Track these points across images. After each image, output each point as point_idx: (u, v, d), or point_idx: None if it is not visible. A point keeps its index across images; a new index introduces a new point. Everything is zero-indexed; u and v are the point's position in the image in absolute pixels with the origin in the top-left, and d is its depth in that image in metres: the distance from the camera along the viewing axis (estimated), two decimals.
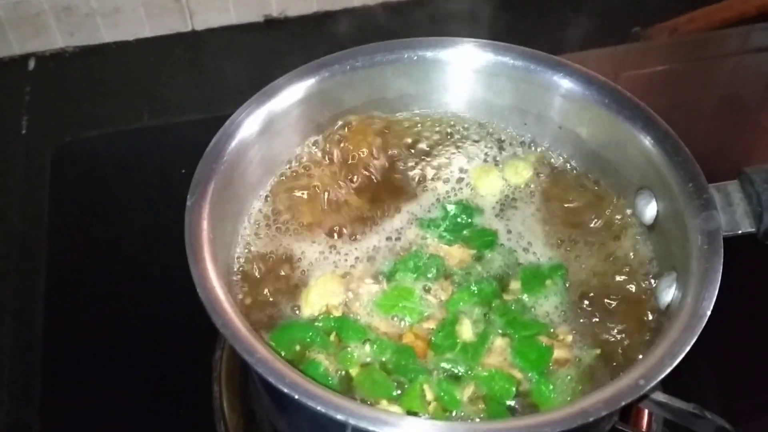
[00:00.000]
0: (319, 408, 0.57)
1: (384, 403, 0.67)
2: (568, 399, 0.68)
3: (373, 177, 0.84)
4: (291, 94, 0.79)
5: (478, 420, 0.67)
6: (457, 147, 0.86)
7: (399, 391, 0.68)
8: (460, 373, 0.70)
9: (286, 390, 0.58)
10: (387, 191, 0.83)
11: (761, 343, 0.98)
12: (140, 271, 1.04)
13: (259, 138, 0.77)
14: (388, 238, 0.79)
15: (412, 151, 0.86)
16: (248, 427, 0.87)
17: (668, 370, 0.60)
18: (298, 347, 0.71)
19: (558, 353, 0.71)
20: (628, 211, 0.80)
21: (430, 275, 0.76)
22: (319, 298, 0.74)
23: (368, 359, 0.71)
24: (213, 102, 1.26)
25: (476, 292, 0.74)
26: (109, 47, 1.37)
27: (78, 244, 1.09)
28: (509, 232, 0.81)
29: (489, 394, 0.69)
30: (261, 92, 0.77)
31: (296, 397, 0.58)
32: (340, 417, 0.57)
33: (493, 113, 0.86)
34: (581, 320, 0.74)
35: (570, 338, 0.73)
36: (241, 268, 0.77)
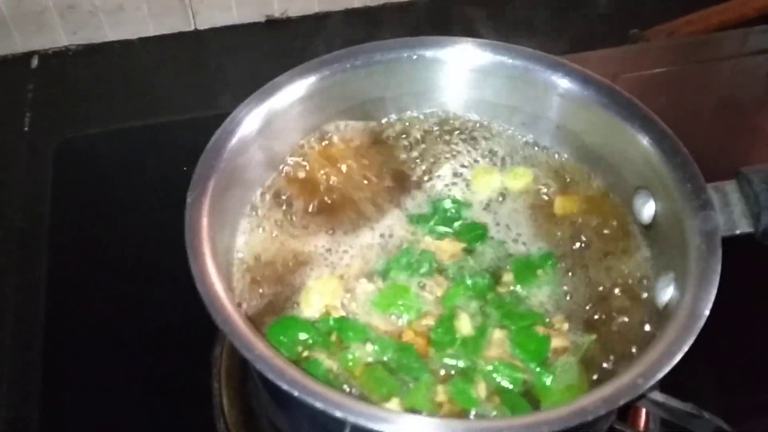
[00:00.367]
0: (318, 405, 0.57)
1: (394, 400, 0.67)
2: (569, 388, 0.69)
3: (369, 177, 0.84)
4: (291, 92, 0.79)
5: (469, 417, 0.67)
6: (454, 146, 0.86)
7: (405, 390, 0.68)
8: (462, 367, 0.70)
9: (285, 387, 0.58)
10: (382, 191, 0.83)
11: (759, 342, 0.98)
12: (141, 268, 1.05)
13: (259, 135, 0.77)
14: (381, 236, 0.80)
15: (409, 150, 0.86)
16: (248, 424, 0.87)
17: (667, 369, 0.60)
18: (300, 348, 0.71)
19: (555, 342, 0.72)
20: (625, 211, 0.80)
21: (423, 271, 0.76)
22: (319, 299, 0.74)
23: (370, 359, 0.71)
24: (214, 101, 1.26)
25: (471, 285, 0.75)
26: (112, 46, 1.37)
27: (79, 241, 1.10)
28: (498, 224, 0.81)
29: (499, 386, 0.69)
30: (261, 90, 0.77)
31: (295, 394, 0.58)
32: (339, 414, 0.57)
33: (490, 113, 0.87)
34: (575, 308, 0.75)
35: (566, 326, 0.73)
36: (240, 266, 0.77)
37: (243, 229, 0.79)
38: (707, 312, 0.63)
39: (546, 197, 0.83)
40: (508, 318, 0.73)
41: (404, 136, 0.87)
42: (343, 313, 0.74)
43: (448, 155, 0.86)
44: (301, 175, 0.83)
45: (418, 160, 0.86)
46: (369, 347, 0.71)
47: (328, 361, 0.70)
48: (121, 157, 1.20)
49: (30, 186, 1.17)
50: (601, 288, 0.76)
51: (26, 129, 1.25)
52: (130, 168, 1.18)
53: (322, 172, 0.83)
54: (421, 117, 0.88)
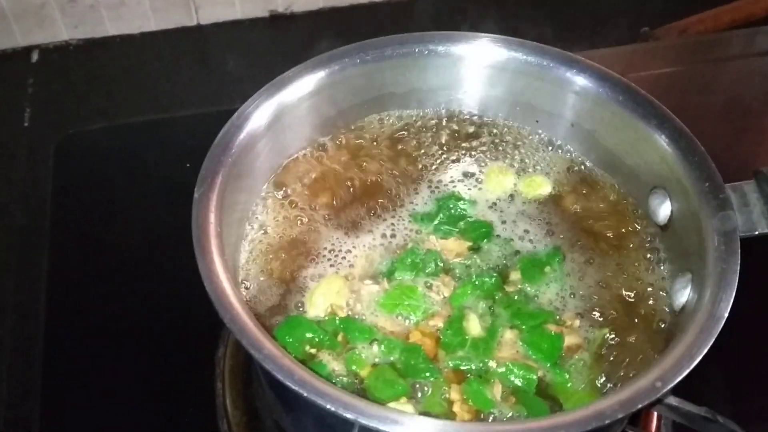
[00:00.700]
0: (328, 406, 0.56)
1: (403, 401, 0.66)
2: (584, 385, 0.69)
3: (376, 175, 0.83)
4: (300, 87, 0.77)
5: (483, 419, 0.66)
6: (463, 144, 0.85)
7: (417, 394, 0.68)
8: (474, 369, 0.69)
9: (294, 387, 0.57)
10: (388, 188, 0.82)
11: None
12: (143, 265, 1.04)
13: (267, 131, 0.75)
14: (383, 236, 0.78)
15: (417, 147, 0.85)
16: (251, 424, 0.86)
17: (686, 372, 0.59)
18: (306, 347, 0.70)
19: (568, 339, 0.71)
20: (639, 210, 0.79)
21: (429, 270, 0.75)
22: (323, 299, 0.73)
23: (377, 360, 0.70)
24: (217, 97, 1.26)
25: (478, 285, 0.74)
26: (113, 40, 1.36)
27: (81, 237, 1.09)
28: (504, 222, 0.80)
29: (514, 387, 0.68)
30: (270, 84, 0.76)
31: (305, 394, 0.57)
32: (349, 415, 0.56)
33: (503, 110, 0.85)
34: (585, 305, 0.74)
35: (577, 323, 0.73)
36: (246, 263, 0.75)
37: (250, 225, 0.78)
38: (726, 314, 0.62)
39: (555, 195, 0.82)
40: (518, 317, 0.72)
41: (413, 132, 0.86)
42: (349, 314, 0.72)
43: (457, 153, 0.85)
44: (309, 171, 0.82)
45: (425, 158, 0.84)
46: (376, 348, 0.70)
47: (333, 362, 0.69)
48: (122, 153, 1.19)
49: (30, 182, 1.16)
50: (611, 286, 0.75)
51: (26, 124, 1.24)
52: (132, 164, 1.16)
53: (329, 169, 0.82)
54: (431, 113, 0.87)
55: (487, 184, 0.83)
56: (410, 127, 0.86)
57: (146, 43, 1.36)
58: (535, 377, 0.68)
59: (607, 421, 0.57)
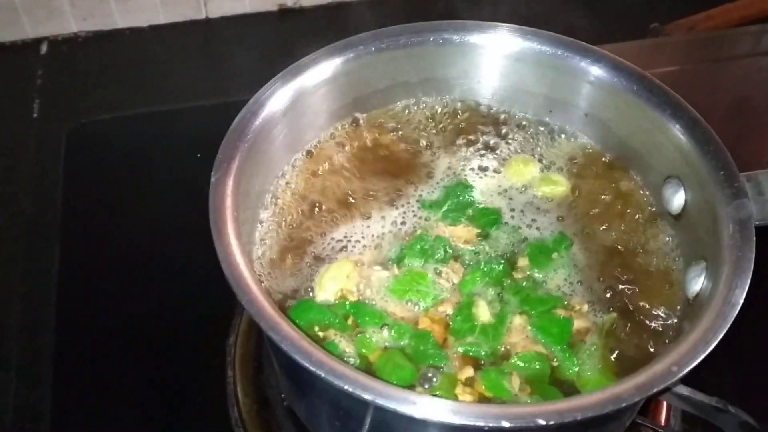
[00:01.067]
0: (346, 387, 0.56)
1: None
2: (596, 370, 0.69)
3: (390, 164, 0.83)
4: (316, 74, 0.78)
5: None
6: (477, 132, 0.86)
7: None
8: (484, 355, 0.70)
9: (312, 368, 0.57)
10: (400, 177, 0.82)
11: None
12: (154, 254, 1.04)
13: (282, 117, 0.76)
14: (393, 223, 0.79)
15: (429, 135, 0.85)
16: (261, 412, 0.86)
17: (701, 357, 0.59)
18: (316, 328, 0.70)
19: (578, 323, 0.72)
20: (651, 199, 0.80)
21: (438, 257, 0.76)
22: (333, 283, 0.73)
23: (386, 344, 0.70)
24: (225, 89, 1.26)
25: (487, 271, 0.74)
26: (122, 33, 1.36)
27: (91, 227, 1.09)
28: (512, 210, 0.80)
29: (528, 376, 0.68)
30: (286, 70, 0.77)
31: (322, 375, 0.57)
32: (367, 397, 0.56)
33: (518, 99, 0.86)
34: (593, 288, 0.75)
35: (586, 307, 0.73)
36: (261, 247, 0.76)
37: (265, 210, 0.78)
38: (741, 300, 0.62)
39: (566, 185, 0.82)
40: (527, 303, 0.73)
41: (427, 121, 0.86)
42: (360, 298, 0.73)
43: (469, 141, 0.85)
44: (323, 158, 0.82)
45: (437, 146, 0.85)
46: (386, 333, 0.70)
47: (344, 343, 0.69)
48: (131, 143, 1.19)
49: (39, 173, 1.16)
50: (621, 273, 0.76)
51: (35, 116, 1.24)
52: (142, 154, 1.17)
53: (342, 156, 0.83)
54: (445, 102, 0.87)
55: (507, 172, 0.83)
56: (424, 116, 0.86)
57: (155, 36, 1.36)
58: (548, 366, 0.69)
59: (623, 405, 0.57)
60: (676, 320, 0.72)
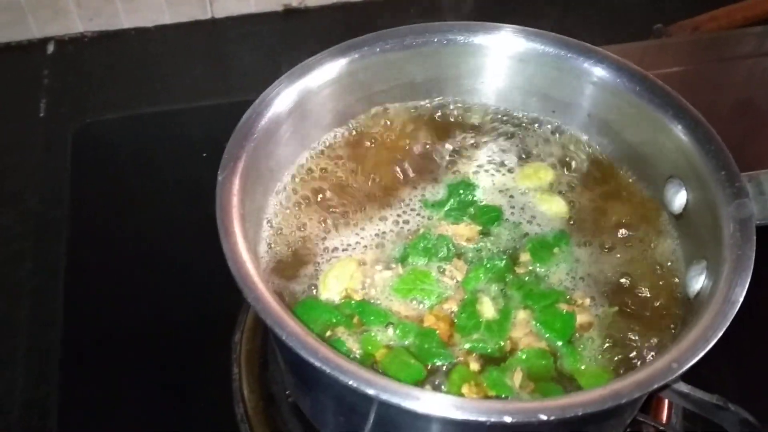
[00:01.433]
0: (350, 382, 0.57)
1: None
2: (598, 364, 0.70)
3: (394, 164, 0.84)
4: (321, 74, 0.78)
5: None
6: (481, 132, 0.86)
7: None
8: (490, 351, 0.70)
9: (318, 364, 0.58)
10: (405, 177, 0.83)
11: None
12: (161, 252, 1.04)
13: (288, 116, 0.76)
14: (396, 222, 0.80)
15: (433, 135, 0.86)
16: (267, 409, 0.86)
17: (701, 354, 0.60)
18: (321, 327, 0.71)
19: (580, 318, 0.72)
20: (651, 199, 0.80)
21: (441, 255, 0.76)
22: (336, 282, 0.74)
23: (391, 343, 0.71)
24: (231, 89, 1.27)
25: (489, 268, 0.75)
26: (128, 33, 1.37)
27: (98, 225, 1.09)
28: (512, 207, 0.81)
29: (530, 373, 0.69)
30: (292, 71, 0.77)
31: (328, 371, 0.57)
32: (371, 392, 0.57)
33: (521, 99, 0.86)
34: (595, 282, 0.75)
35: (588, 301, 0.74)
36: (267, 245, 0.76)
37: (271, 209, 0.79)
38: (741, 298, 0.63)
39: (568, 184, 0.83)
40: (530, 298, 0.74)
41: (431, 121, 0.87)
42: (364, 297, 0.73)
43: (473, 141, 0.86)
44: (327, 157, 0.83)
45: (440, 146, 0.85)
46: (391, 331, 0.71)
47: (350, 342, 0.70)
48: (138, 142, 1.20)
49: (45, 172, 1.16)
50: (623, 271, 0.76)
51: (42, 115, 1.25)
52: (148, 153, 1.17)
53: (346, 157, 0.83)
54: (449, 103, 0.88)
55: (519, 176, 0.84)
56: (428, 116, 0.87)
57: (160, 36, 1.37)
58: (551, 363, 0.69)
59: (624, 401, 0.58)
60: (676, 318, 0.72)
